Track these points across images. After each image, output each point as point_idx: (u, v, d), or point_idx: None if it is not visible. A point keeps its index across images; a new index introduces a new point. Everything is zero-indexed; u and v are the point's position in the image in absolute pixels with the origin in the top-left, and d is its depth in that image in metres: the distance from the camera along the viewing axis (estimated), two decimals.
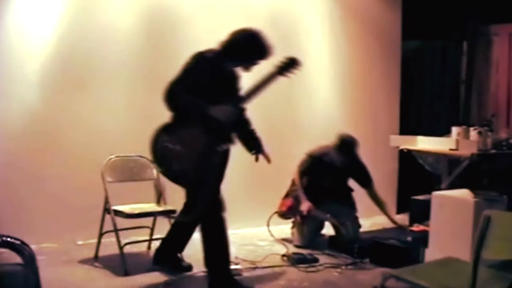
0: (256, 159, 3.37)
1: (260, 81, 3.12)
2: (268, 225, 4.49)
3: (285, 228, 4.60)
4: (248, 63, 3.19)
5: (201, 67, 3.09)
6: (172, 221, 3.69)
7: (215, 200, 3.19)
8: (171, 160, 3.07)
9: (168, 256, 3.60)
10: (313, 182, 4.41)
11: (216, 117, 3.02)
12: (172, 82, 3.05)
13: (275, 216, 4.51)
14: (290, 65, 3.16)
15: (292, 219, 4.47)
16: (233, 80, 3.27)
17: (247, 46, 3.14)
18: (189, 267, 3.57)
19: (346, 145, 4.23)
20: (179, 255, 3.62)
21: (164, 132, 3.09)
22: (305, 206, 4.27)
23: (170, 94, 3.03)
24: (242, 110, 3.28)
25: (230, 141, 3.19)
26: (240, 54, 3.16)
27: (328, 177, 4.37)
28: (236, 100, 3.15)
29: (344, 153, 4.23)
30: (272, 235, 4.51)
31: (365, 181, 4.43)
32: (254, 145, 3.44)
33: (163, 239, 3.62)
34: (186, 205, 3.37)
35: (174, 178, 3.15)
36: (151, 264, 3.64)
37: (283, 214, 4.48)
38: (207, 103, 3.02)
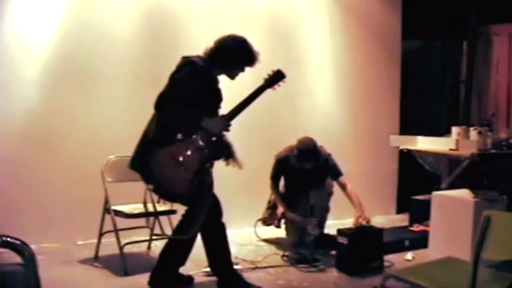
0: (227, 164, 3.16)
1: (249, 95, 3.08)
2: (254, 227, 4.63)
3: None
4: (236, 70, 3.12)
5: (195, 76, 2.95)
6: (167, 239, 3.45)
7: (216, 207, 3.18)
8: (164, 179, 2.94)
9: (169, 275, 3.28)
10: (289, 182, 4.42)
11: (210, 130, 2.96)
12: (165, 93, 2.90)
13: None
14: (277, 77, 3.13)
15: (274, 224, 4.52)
16: (219, 89, 3.15)
17: (236, 52, 3.06)
18: (191, 279, 3.41)
19: (304, 154, 4.10)
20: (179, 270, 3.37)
21: (154, 146, 2.94)
22: (279, 210, 4.35)
23: (164, 106, 2.88)
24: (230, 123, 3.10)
25: (221, 155, 3.09)
26: (229, 61, 3.07)
27: (298, 177, 4.31)
28: (227, 114, 3.05)
29: (304, 160, 4.12)
30: (258, 236, 4.60)
31: (332, 175, 4.27)
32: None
33: (161, 258, 3.26)
34: (184, 222, 3.20)
35: (167, 196, 3.10)
36: (151, 265, 3.63)
37: (265, 221, 4.57)
38: (201, 114, 2.94)
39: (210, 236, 3.23)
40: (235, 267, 3.48)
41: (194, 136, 2.96)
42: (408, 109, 6.01)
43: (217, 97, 3.13)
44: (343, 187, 4.22)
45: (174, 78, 2.95)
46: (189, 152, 2.94)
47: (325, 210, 4.33)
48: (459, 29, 6.12)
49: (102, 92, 4.42)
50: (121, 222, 3.71)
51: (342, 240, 3.72)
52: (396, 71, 5.85)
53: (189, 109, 2.90)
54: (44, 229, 4.13)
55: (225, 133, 3.10)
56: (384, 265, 3.81)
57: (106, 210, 3.75)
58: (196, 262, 3.54)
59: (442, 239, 4.10)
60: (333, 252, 3.90)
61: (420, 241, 4.28)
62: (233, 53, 3.07)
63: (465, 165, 4.59)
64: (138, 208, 3.78)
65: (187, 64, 2.99)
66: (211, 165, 3.07)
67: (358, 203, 4.08)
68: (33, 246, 1.61)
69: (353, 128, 5.54)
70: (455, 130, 4.70)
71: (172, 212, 3.80)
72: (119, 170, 3.87)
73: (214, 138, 3.01)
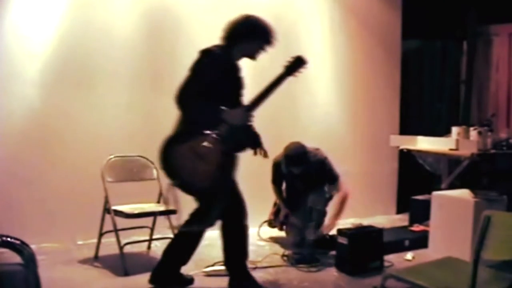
0: (255, 153, 3.20)
1: (270, 84, 3.00)
2: (259, 228, 4.61)
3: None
4: (255, 48, 3.08)
5: (214, 65, 2.94)
6: (176, 232, 3.37)
7: (240, 208, 3.20)
8: (187, 173, 2.92)
9: (171, 273, 3.28)
10: (287, 185, 4.42)
11: (230, 122, 2.90)
12: (184, 86, 2.88)
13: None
14: (297, 64, 3.06)
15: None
16: (241, 77, 3.12)
17: (249, 28, 3.04)
18: (191, 280, 3.39)
19: (290, 159, 4.10)
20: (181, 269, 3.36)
21: (176, 142, 2.92)
22: (282, 213, 4.38)
23: (183, 100, 2.87)
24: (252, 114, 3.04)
25: (245, 147, 3.06)
26: (245, 39, 3.04)
27: (294, 181, 4.30)
28: (248, 105, 3.00)
29: (291, 165, 4.12)
30: (259, 236, 4.58)
31: (329, 179, 4.27)
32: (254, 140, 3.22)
33: (165, 255, 3.25)
34: (198, 213, 3.16)
35: (190, 190, 3.01)
36: (151, 265, 3.63)
37: (270, 223, 4.59)
38: (221, 105, 2.89)
39: (231, 235, 3.22)
40: None
41: (215, 129, 2.91)
42: (408, 109, 6.01)
43: (239, 85, 3.11)
44: (338, 191, 4.24)
45: (194, 69, 2.94)
46: (210, 145, 2.90)
47: (322, 214, 4.30)
48: (459, 29, 6.13)
49: (102, 91, 4.42)
50: (121, 222, 3.71)
51: (342, 240, 3.72)
52: (396, 71, 5.85)
53: (209, 102, 2.87)
54: (44, 229, 4.13)
55: (250, 123, 3.05)
56: (384, 265, 3.81)
57: (106, 210, 3.75)
58: (196, 262, 3.54)
59: (442, 239, 4.10)
60: (333, 252, 3.90)
61: (420, 241, 4.29)
62: (248, 30, 3.05)
63: (465, 165, 4.59)
64: (138, 208, 3.77)
65: (205, 55, 2.98)
66: (234, 157, 3.03)
67: (336, 209, 4.14)
68: (33, 246, 1.61)
69: (353, 128, 5.54)
70: (455, 130, 4.70)
71: (172, 212, 3.79)
72: (119, 170, 3.88)
73: (236, 130, 2.93)
